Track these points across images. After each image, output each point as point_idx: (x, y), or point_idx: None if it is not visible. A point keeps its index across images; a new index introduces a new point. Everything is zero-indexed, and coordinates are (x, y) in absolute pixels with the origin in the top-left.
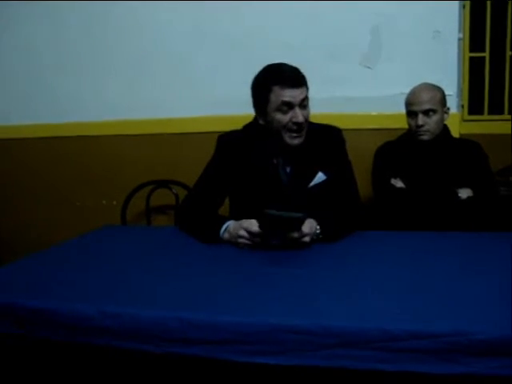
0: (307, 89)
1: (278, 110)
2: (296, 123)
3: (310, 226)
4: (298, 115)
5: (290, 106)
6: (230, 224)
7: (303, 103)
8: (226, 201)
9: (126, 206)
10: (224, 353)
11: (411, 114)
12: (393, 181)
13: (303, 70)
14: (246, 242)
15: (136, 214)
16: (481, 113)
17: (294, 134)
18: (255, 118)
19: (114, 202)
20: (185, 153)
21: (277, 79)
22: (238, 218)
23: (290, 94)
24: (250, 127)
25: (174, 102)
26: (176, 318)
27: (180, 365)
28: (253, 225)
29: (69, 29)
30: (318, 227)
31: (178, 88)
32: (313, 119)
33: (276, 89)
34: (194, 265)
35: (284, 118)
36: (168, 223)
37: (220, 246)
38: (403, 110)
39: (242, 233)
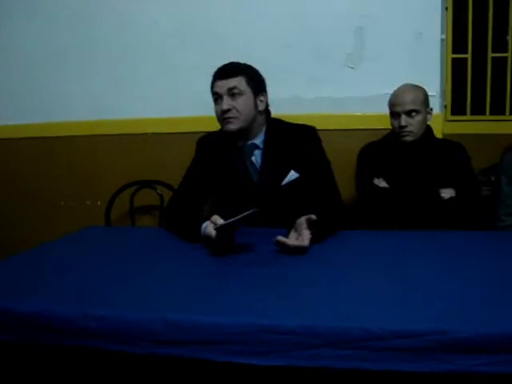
0: (246, 79)
1: (214, 101)
2: (222, 111)
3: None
4: (223, 104)
5: (218, 96)
6: (204, 227)
7: (231, 92)
8: None
9: (111, 207)
10: (209, 353)
11: (394, 114)
12: (376, 181)
13: (288, 71)
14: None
15: (120, 214)
16: (463, 113)
17: (224, 121)
18: None
19: (99, 203)
20: (170, 153)
21: (215, 73)
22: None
23: (218, 85)
24: None
25: (159, 101)
26: (160, 320)
27: (165, 366)
28: (211, 231)
29: (56, 28)
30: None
31: (164, 88)
32: (297, 120)
33: (213, 82)
34: (178, 266)
35: (217, 108)
36: (152, 223)
37: (203, 247)
38: (387, 111)
39: (207, 241)
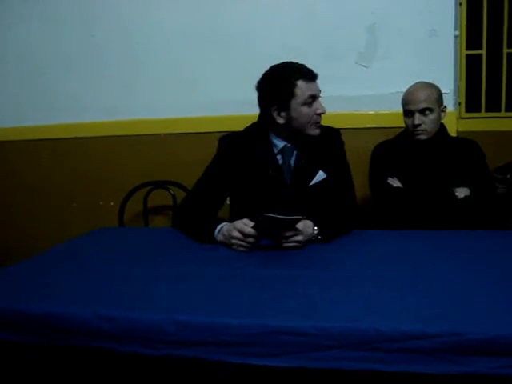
0: None
1: (305, 103)
2: (319, 114)
3: (303, 224)
4: (320, 107)
5: (314, 98)
6: (224, 225)
7: (319, 95)
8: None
9: (124, 207)
10: (220, 354)
11: (408, 113)
12: (390, 180)
13: None
14: (240, 243)
15: (133, 214)
16: (478, 110)
17: (318, 124)
18: (259, 119)
19: (112, 203)
20: (182, 153)
21: (299, 74)
22: (238, 218)
23: (314, 87)
24: (253, 128)
25: (170, 102)
26: (172, 321)
27: (176, 367)
28: (246, 226)
29: (63, 29)
30: (316, 228)
31: (175, 88)
32: None
33: (301, 83)
34: (190, 267)
35: (310, 111)
36: (165, 224)
37: (216, 248)
38: (400, 109)
39: (235, 234)
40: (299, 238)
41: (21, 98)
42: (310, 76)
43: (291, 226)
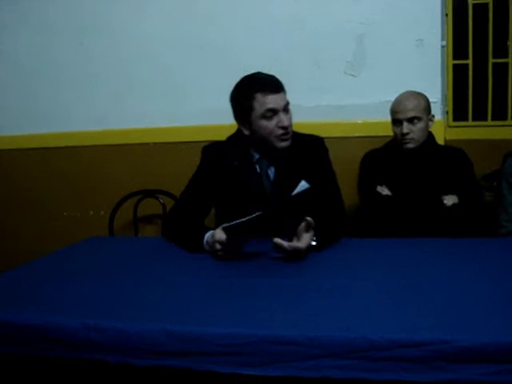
0: (286, 94)
1: (264, 117)
2: (282, 127)
3: (307, 236)
4: (284, 120)
5: (274, 111)
6: (209, 235)
7: (286, 108)
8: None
9: (114, 217)
10: (210, 364)
11: (396, 122)
12: (379, 188)
13: (289, 79)
14: (223, 253)
15: (123, 224)
16: (465, 119)
17: (282, 137)
18: (238, 129)
19: (102, 213)
20: (172, 162)
21: (258, 87)
22: None
23: (274, 101)
24: (234, 138)
25: (161, 111)
26: (161, 331)
27: (166, 377)
28: (222, 236)
29: (56, 38)
30: (314, 237)
31: (165, 98)
32: (299, 128)
33: (259, 96)
34: (180, 276)
35: (270, 124)
36: (155, 233)
37: (205, 257)
38: (388, 118)
39: (217, 246)
40: (301, 244)
41: (10, 107)
42: (271, 88)
43: (256, 224)
